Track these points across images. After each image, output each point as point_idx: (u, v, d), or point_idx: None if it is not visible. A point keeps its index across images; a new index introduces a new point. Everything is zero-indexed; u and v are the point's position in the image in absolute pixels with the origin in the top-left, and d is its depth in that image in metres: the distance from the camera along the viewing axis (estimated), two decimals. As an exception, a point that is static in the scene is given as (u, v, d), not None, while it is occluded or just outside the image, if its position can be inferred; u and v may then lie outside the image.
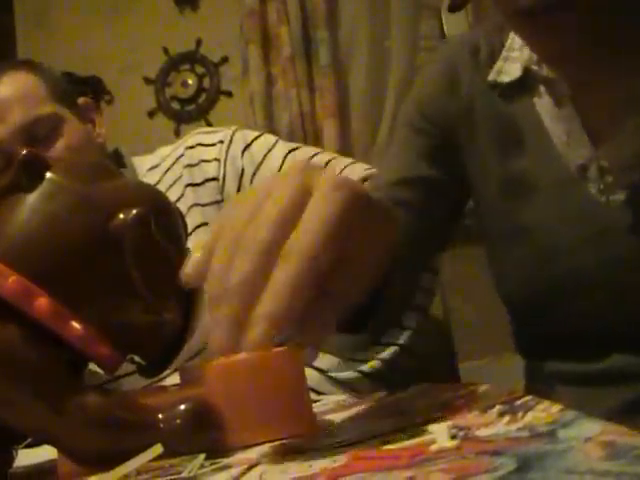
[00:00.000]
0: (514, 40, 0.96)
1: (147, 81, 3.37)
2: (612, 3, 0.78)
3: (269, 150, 1.36)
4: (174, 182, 1.38)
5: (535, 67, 0.93)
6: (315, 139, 3.03)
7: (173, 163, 1.41)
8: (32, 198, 0.62)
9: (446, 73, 1.03)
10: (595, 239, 0.89)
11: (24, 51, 3.60)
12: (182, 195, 1.36)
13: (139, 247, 0.60)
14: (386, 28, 3.15)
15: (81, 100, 1.47)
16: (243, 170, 1.33)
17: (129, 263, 0.60)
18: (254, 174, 1.33)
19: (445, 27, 3.25)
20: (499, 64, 0.96)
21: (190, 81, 3.35)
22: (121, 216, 0.61)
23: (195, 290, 0.66)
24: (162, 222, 0.63)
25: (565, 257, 0.91)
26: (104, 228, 0.60)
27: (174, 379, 0.70)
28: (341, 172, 1.30)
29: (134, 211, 0.60)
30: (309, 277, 0.48)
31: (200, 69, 3.35)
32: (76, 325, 0.58)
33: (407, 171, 1.01)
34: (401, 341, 1.22)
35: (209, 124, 3.27)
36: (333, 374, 1.20)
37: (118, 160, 1.46)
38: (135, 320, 0.62)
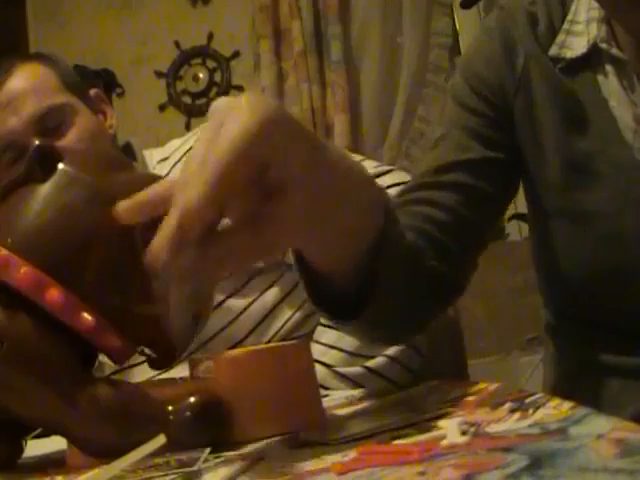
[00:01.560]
0: (578, 13, 0.92)
1: (158, 75, 3.37)
2: None
3: None
4: None
5: (604, 45, 0.88)
6: (326, 134, 3.03)
7: (183, 155, 1.41)
8: (45, 189, 0.62)
9: (501, 45, 0.96)
10: None
11: (36, 44, 3.61)
12: None
13: (151, 237, 0.60)
14: (398, 24, 3.15)
15: (92, 91, 1.47)
16: None
17: (141, 254, 0.60)
18: None
19: (457, 24, 3.24)
20: (561, 37, 0.91)
21: (201, 75, 3.35)
22: (133, 208, 0.61)
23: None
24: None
25: (629, 244, 0.88)
26: (114, 219, 0.60)
27: (182, 370, 0.70)
28: None
29: (146, 203, 0.60)
30: (221, 184, 0.49)
31: (212, 63, 3.35)
32: (87, 316, 0.58)
33: (458, 154, 0.95)
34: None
35: (220, 118, 3.27)
36: (339, 369, 1.19)
37: (129, 153, 1.46)
38: (146, 311, 0.62)
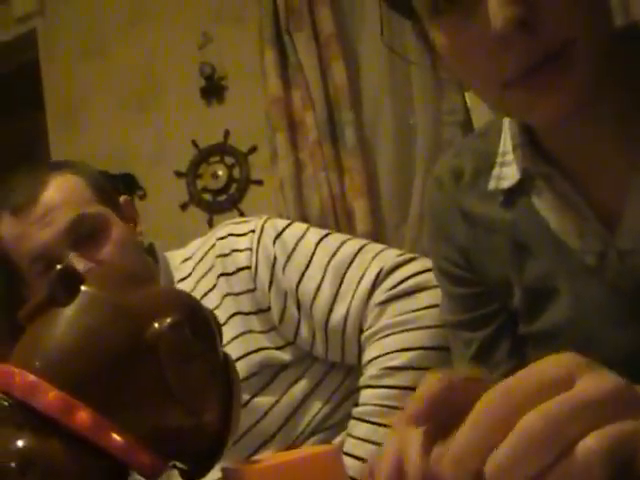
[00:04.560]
0: (506, 143, 0.93)
1: (178, 174, 3.42)
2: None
3: (300, 238, 1.37)
4: (206, 272, 1.40)
5: (528, 164, 0.90)
6: (347, 220, 3.05)
7: (205, 254, 1.42)
8: (68, 312, 0.64)
9: (437, 217, 1.04)
10: (625, 324, 0.87)
11: (56, 150, 3.69)
12: (215, 285, 1.38)
13: (175, 355, 0.61)
14: (409, 105, 3.19)
15: (122, 199, 1.50)
16: (275, 258, 1.34)
17: (166, 371, 0.61)
18: (287, 262, 1.34)
19: (468, 99, 3.28)
20: (497, 170, 0.94)
21: (220, 172, 3.39)
22: (156, 325, 0.62)
23: (231, 393, 0.67)
24: (196, 328, 0.64)
25: (599, 347, 0.87)
26: (140, 338, 0.62)
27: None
28: (372, 260, 1.30)
29: (168, 320, 0.62)
30: None
31: (229, 160, 3.39)
32: (116, 437, 0.59)
33: (461, 314, 1.04)
34: None
35: (241, 213, 3.31)
36: None
37: (152, 255, 1.48)
38: (174, 426, 0.63)
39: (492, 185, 0.94)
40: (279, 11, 3.20)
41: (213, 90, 3.42)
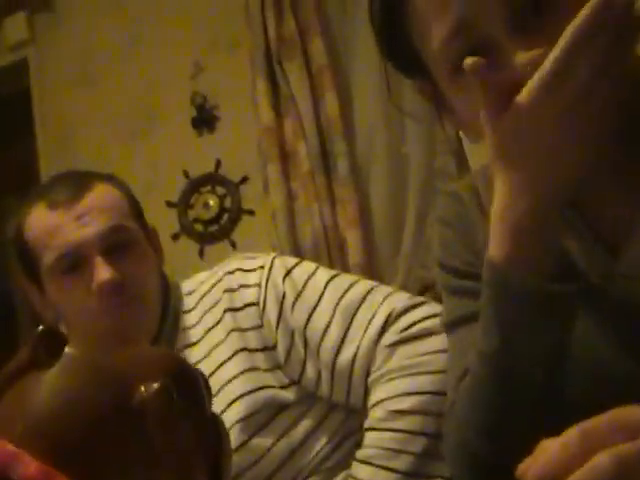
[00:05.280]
0: None
1: (169, 205, 3.40)
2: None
3: (310, 277, 1.35)
4: (212, 306, 1.38)
5: None
6: (339, 251, 3.03)
7: (211, 287, 1.41)
8: (51, 375, 0.61)
9: (457, 226, 1.04)
10: (633, 345, 0.87)
11: (48, 175, 3.67)
12: (221, 319, 1.36)
13: (163, 420, 0.59)
14: (402, 134, 3.18)
15: (150, 225, 1.48)
16: (284, 296, 1.33)
17: (154, 436, 0.59)
18: (295, 300, 1.33)
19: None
20: None
21: (212, 202, 3.37)
22: (142, 389, 0.60)
23: (221, 457, 0.65)
24: (184, 389, 0.62)
25: (608, 368, 0.88)
26: (126, 402, 0.59)
27: None
28: (382, 302, 1.29)
29: (155, 385, 0.60)
30: None
31: (221, 190, 3.37)
32: (101, 509, 0.56)
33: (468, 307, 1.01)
34: (446, 473, 1.19)
35: (233, 244, 3.29)
36: None
37: (164, 284, 1.46)
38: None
39: None
40: (270, 41, 3.19)
41: (205, 120, 3.41)
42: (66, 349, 0.62)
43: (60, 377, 0.61)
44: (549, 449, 0.54)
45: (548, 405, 0.86)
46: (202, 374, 0.67)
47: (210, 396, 0.67)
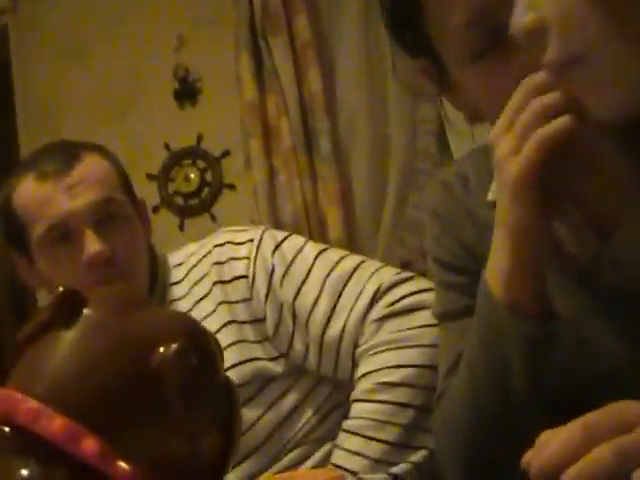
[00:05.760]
0: None
1: (150, 177, 3.39)
2: None
3: (299, 250, 1.36)
4: (201, 278, 1.39)
5: None
6: (319, 228, 3.04)
7: (200, 260, 1.41)
8: (70, 336, 0.62)
9: (445, 217, 1.05)
10: (622, 329, 0.88)
11: (28, 149, 3.62)
12: (209, 292, 1.37)
13: (181, 381, 0.60)
14: (385, 115, 3.19)
15: (140, 200, 1.49)
16: (273, 269, 1.34)
17: (171, 397, 0.60)
18: (285, 274, 1.34)
19: (443, 111, 3.28)
20: (495, 184, 0.94)
21: (192, 175, 3.36)
22: (161, 350, 0.61)
23: (233, 417, 0.67)
24: (200, 352, 0.63)
25: (598, 349, 0.89)
26: (144, 363, 0.61)
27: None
28: (371, 277, 1.30)
29: (174, 346, 0.61)
30: None
31: (202, 163, 3.36)
32: (123, 465, 0.58)
33: (460, 303, 1.03)
34: (431, 445, 1.21)
35: (213, 217, 3.29)
36: (364, 476, 1.19)
37: (152, 255, 1.46)
38: (178, 453, 0.62)
39: (490, 197, 0.96)
40: (255, 15, 3.18)
41: (187, 93, 3.39)
42: (85, 310, 0.64)
43: (80, 338, 0.62)
44: (552, 441, 0.56)
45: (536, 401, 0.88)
46: (215, 338, 0.68)
47: (223, 360, 0.69)
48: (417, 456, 1.21)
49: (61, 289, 0.63)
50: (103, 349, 0.61)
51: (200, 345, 0.64)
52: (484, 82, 0.83)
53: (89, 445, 0.57)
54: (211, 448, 0.64)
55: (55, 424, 0.57)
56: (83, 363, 0.61)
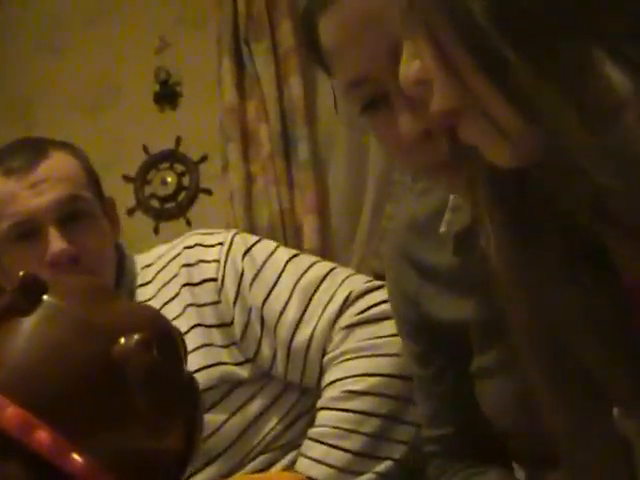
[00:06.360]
0: None
1: (126, 179, 3.36)
2: None
3: (270, 255, 1.35)
4: (169, 280, 1.37)
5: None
6: (295, 236, 3.02)
7: (169, 262, 1.40)
8: (30, 322, 0.61)
9: (398, 285, 1.06)
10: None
11: (4, 145, 3.59)
12: (178, 294, 1.35)
13: (142, 372, 0.59)
14: (364, 124, 3.18)
15: (108, 198, 1.47)
16: (243, 273, 1.32)
17: (133, 389, 0.58)
18: (254, 278, 1.32)
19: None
20: (447, 216, 0.96)
21: (169, 179, 3.33)
22: (122, 341, 0.59)
23: (195, 415, 0.65)
24: (163, 345, 0.61)
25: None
26: (105, 354, 0.59)
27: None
28: (341, 284, 1.29)
29: (136, 336, 0.59)
30: None
31: (180, 167, 3.33)
32: (77, 457, 0.55)
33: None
34: (397, 455, 1.19)
35: (188, 222, 3.26)
36: None
37: (119, 256, 1.44)
38: (138, 448, 0.60)
39: (443, 228, 0.96)
40: (239, 20, 3.17)
41: (167, 95, 3.36)
42: (46, 297, 0.62)
43: (40, 324, 0.60)
44: None
45: None
46: (180, 333, 0.67)
47: (186, 354, 0.67)
48: (382, 466, 1.20)
49: (21, 274, 0.61)
50: (63, 337, 0.60)
51: (164, 339, 0.62)
52: (375, 130, 0.88)
53: (42, 437, 0.55)
54: (171, 446, 0.62)
55: (7, 413, 0.55)
56: (42, 351, 0.59)
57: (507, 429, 0.97)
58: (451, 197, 0.95)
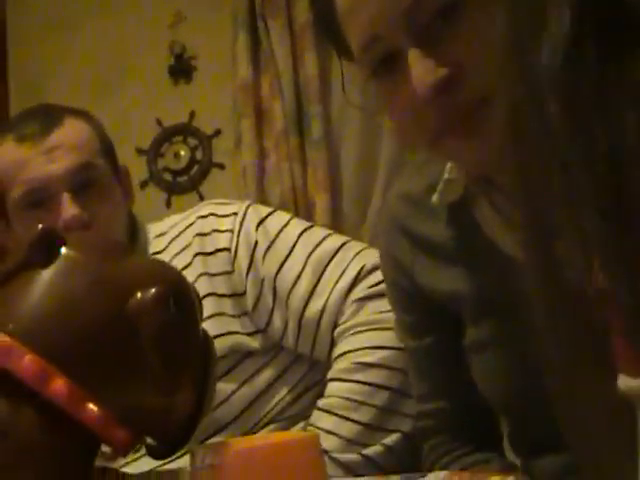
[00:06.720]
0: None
1: (139, 152, 3.36)
2: None
3: (283, 227, 1.35)
4: (182, 249, 1.37)
5: (471, 183, 0.94)
6: (307, 213, 3.02)
7: (182, 231, 1.40)
8: (47, 274, 0.61)
9: (392, 256, 1.06)
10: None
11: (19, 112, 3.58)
12: (190, 263, 1.35)
13: (157, 327, 0.59)
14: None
15: (122, 167, 1.47)
16: (257, 243, 1.32)
17: (146, 343, 0.59)
18: (267, 249, 1.32)
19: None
20: (440, 186, 0.95)
21: (182, 153, 3.34)
22: (139, 295, 0.59)
23: (208, 371, 0.65)
24: (179, 302, 0.62)
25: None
26: (121, 307, 0.59)
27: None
28: (354, 257, 1.29)
29: (152, 290, 0.59)
30: None
31: (193, 141, 3.34)
32: (92, 407, 0.56)
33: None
34: (405, 428, 1.20)
35: (201, 196, 3.26)
36: (336, 455, 1.17)
37: (133, 224, 1.45)
38: (149, 401, 0.61)
39: (435, 198, 0.96)
40: (256, -6, 3.16)
41: (182, 69, 3.37)
42: (63, 250, 0.62)
43: (57, 276, 0.61)
44: None
45: None
46: (196, 290, 0.67)
47: (202, 313, 0.67)
48: (390, 439, 1.20)
49: (40, 226, 0.62)
50: (79, 290, 0.60)
51: (179, 294, 0.62)
52: (383, 96, 0.86)
53: (58, 385, 0.55)
54: (183, 402, 0.63)
55: (25, 361, 0.55)
56: (58, 303, 0.59)
57: (502, 406, 0.98)
58: (446, 171, 0.95)
